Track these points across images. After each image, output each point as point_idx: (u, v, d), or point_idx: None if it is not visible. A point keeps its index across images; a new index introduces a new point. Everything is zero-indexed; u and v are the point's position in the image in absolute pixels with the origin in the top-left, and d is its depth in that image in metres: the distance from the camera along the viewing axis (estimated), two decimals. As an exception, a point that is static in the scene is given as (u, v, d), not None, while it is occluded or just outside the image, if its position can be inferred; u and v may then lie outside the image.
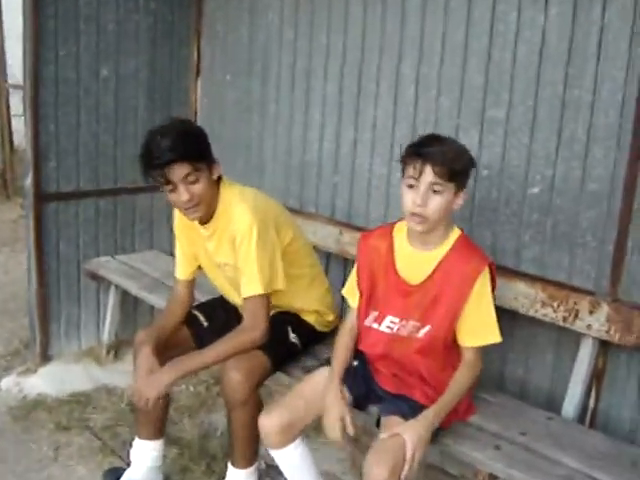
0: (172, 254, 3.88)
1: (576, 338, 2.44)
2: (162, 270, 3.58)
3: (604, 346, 2.39)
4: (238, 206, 2.39)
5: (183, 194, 2.31)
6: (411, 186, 2.04)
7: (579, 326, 2.36)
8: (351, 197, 3.21)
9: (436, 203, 2.02)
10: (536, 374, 2.63)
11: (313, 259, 2.72)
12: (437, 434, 2.08)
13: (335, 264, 3.29)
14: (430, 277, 2.12)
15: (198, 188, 2.32)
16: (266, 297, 2.41)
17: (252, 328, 2.39)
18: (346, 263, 3.24)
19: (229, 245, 2.44)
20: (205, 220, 2.46)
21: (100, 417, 3.22)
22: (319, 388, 2.22)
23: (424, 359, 2.15)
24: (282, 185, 3.51)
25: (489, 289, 2.12)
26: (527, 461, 2.03)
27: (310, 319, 2.68)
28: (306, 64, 3.32)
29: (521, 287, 2.48)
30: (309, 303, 2.66)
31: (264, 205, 2.48)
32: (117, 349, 3.78)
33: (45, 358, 3.63)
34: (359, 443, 2.72)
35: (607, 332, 2.29)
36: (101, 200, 3.69)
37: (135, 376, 2.41)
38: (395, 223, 2.26)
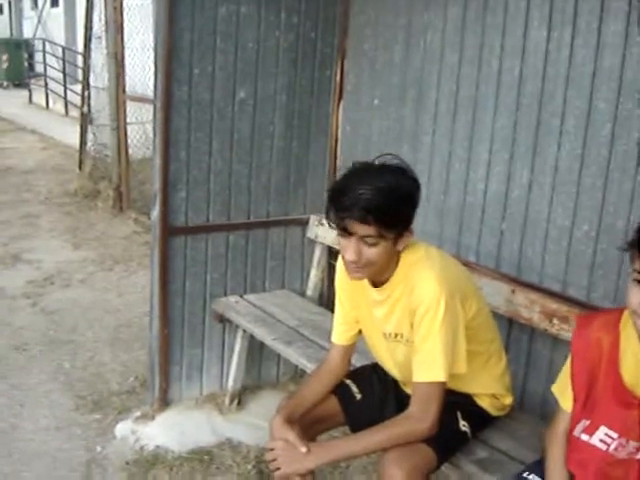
0: (304, 294, 3.57)
1: None
2: (297, 317, 3.21)
3: None
4: (424, 272, 2.00)
5: (351, 252, 1.93)
6: (638, 281, 1.55)
7: None
8: (522, 248, 2.76)
9: None
10: None
11: (494, 332, 2.27)
12: None
13: (499, 326, 2.84)
14: None
15: (371, 253, 1.94)
16: (443, 384, 2.00)
17: (421, 419, 1.99)
18: (511, 326, 2.80)
19: (405, 315, 2.05)
20: (379, 283, 2.09)
21: (224, 479, 2.90)
22: None
23: None
24: (435, 228, 3.08)
25: None
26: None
27: (484, 403, 2.25)
28: (472, 93, 2.89)
29: None
30: (485, 385, 2.24)
31: (452, 272, 2.07)
32: (240, 397, 3.44)
33: (164, 403, 3.33)
34: None
35: None
36: (232, 234, 3.34)
37: (270, 442, 2.08)
38: (623, 311, 1.75)
